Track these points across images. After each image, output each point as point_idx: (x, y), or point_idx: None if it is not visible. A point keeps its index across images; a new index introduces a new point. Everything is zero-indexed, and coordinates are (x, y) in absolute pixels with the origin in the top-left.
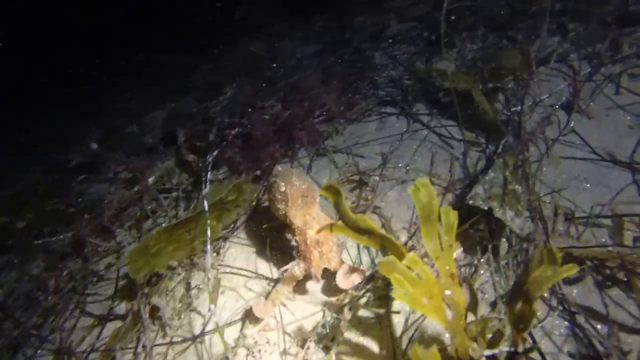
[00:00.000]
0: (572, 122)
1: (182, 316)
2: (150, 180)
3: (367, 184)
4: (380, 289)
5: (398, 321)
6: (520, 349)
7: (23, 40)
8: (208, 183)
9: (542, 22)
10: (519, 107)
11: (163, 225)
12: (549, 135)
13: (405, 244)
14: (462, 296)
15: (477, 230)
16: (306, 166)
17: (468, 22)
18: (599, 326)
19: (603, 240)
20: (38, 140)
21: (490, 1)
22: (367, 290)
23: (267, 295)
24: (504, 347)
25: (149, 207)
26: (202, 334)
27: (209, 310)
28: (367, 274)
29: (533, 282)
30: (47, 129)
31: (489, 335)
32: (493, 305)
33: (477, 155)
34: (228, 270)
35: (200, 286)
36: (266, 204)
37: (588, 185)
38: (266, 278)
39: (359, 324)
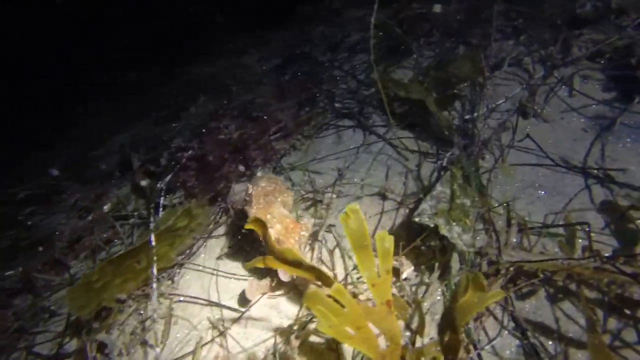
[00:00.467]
0: (528, 127)
1: (132, 351)
2: (106, 207)
3: (321, 202)
4: None
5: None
6: None
7: None
8: (162, 209)
9: (491, 27)
10: (474, 114)
11: (112, 256)
12: (504, 142)
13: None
14: (399, 326)
15: (429, 246)
16: None
17: (425, 28)
18: (550, 342)
19: (556, 250)
20: None
21: (445, 8)
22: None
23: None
24: None
25: (104, 236)
26: None
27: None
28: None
29: (460, 310)
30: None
31: None
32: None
33: (432, 166)
34: (182, 298)
35: (154, 317)
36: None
37: (542, 192)
38: (220, 305)
39: (310, 350)
